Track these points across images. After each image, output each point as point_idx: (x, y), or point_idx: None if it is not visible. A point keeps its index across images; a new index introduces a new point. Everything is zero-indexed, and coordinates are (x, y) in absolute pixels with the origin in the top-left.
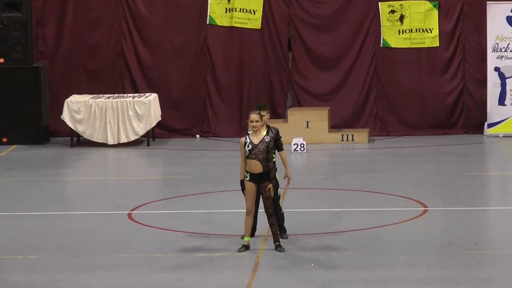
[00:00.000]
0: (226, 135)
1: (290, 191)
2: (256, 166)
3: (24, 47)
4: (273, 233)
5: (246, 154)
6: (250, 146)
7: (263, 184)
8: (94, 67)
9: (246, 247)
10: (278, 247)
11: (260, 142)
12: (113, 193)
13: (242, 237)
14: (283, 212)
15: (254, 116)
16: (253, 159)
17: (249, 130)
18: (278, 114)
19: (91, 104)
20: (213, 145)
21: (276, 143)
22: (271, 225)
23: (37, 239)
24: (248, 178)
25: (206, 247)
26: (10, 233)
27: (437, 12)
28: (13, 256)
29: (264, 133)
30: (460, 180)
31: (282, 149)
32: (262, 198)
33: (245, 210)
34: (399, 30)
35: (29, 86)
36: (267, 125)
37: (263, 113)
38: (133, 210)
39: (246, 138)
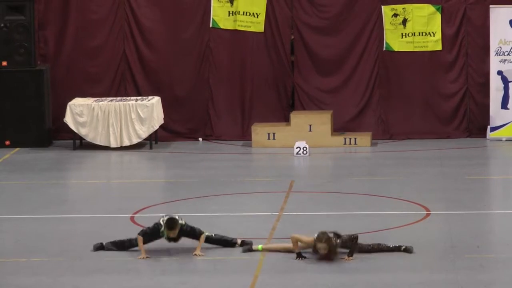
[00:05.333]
0: (229, 138)
1: (293, 195)
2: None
3: (27, 50)
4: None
5: None
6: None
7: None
8: (97, 70)
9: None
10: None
11: None
12: (116, 196)
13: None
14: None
15: (321, 245)
16: None
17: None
18: (281, 117)
19: (93, 107)
20: (216, 149)
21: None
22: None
23: (40, 242)
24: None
25: (208, 250)
26: (13, 235)
27: (440, 15)
28: (16, 258)
29: None
30: (462, 184)
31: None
32: None
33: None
34: (402, 34)
35: (32, 89)
36: None
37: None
38: (135, 213)
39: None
